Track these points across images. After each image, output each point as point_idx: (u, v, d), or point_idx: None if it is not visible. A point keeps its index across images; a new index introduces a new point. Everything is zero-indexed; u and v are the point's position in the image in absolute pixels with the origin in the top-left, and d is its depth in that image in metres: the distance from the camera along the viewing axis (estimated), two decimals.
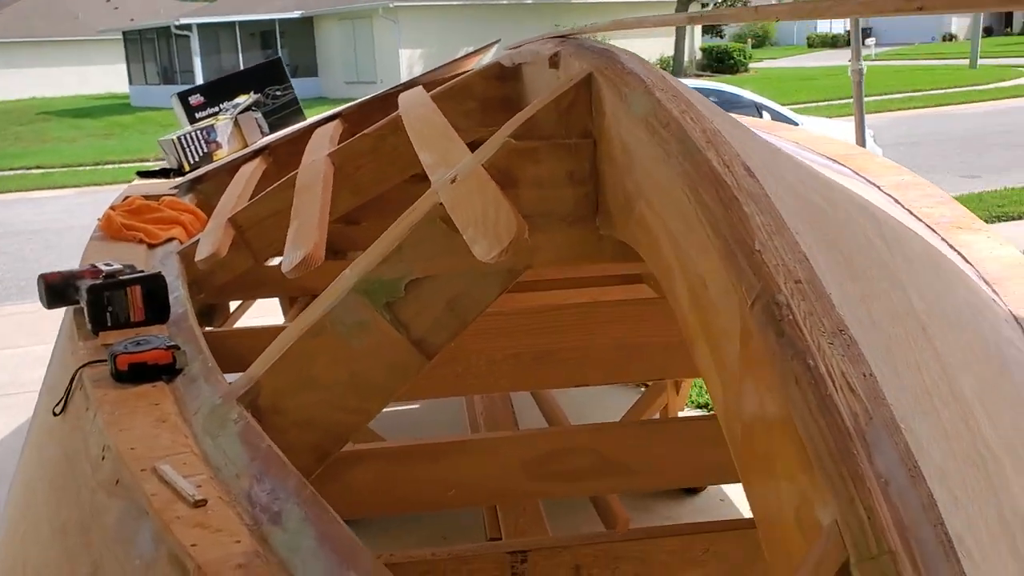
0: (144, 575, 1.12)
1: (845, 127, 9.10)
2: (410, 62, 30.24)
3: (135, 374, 1.52)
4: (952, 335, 1.06)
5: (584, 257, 1.38)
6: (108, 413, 1.41)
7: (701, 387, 4.76)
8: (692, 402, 4.63)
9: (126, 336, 1.68)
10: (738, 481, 2.19)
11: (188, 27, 30.77)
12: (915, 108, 19.52)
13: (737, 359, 0.82)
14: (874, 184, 2.69)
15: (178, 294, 1.89)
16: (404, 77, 29.85)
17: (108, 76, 38.99)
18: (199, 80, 30.33)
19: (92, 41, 38.22)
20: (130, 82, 34.92)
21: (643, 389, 4.77)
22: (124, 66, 35.47)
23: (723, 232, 0.87)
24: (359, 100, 3.47)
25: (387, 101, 3.16)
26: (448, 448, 1.77)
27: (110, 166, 16.71)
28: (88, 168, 16.66)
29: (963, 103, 20.13)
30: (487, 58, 3.46)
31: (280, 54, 32.80)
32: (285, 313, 3.61)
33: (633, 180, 1.18)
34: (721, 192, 0.92)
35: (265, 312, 4.32)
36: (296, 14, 32.46)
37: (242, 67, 31.73)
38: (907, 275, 1.15)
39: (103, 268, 1.79)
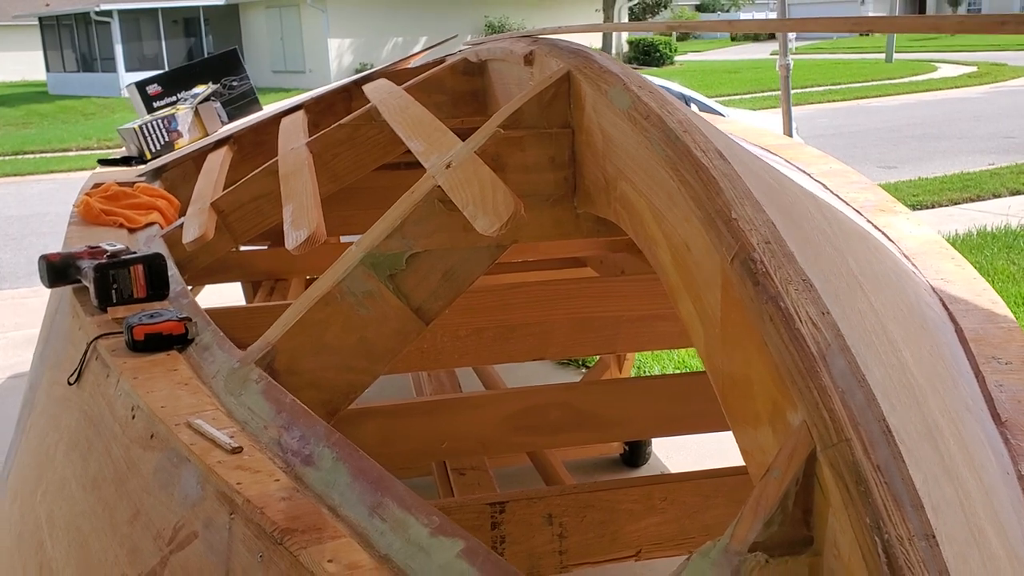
0: (191, 511, 1.26)
1: (769, 119, 9.45)
2: (339, 52, 30.08)
3: (151, 344, 1.65)
4: (882, 293, 1.27)
5: (563, 233, 1.57)
6: (132, 378, 1.55)
7: (639, 365, 5.01)
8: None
9: (132, 311, 1.81)
10: (696, 431, 2.39)
11: (109, 13, 30.03)
12: (834, 101, 20.22)
13: (718, 304, 1.02)
14: (805, 172, 2.93)
15: (173, 273, 2.01)
16: (333, 67, 29.74)
17: (22, 63, 37.86)
18: (120, 68, 29.69)
19: (6, 27, 37.04)
20: (47, 69, 33.96)
21: (583, 370, 4.99)
22: (41, 53, 34.45)
23: (704, 204, 1.07)
24: (316, 92, 3.59)
25: (347, 92, 3.30)
26: (441, 405, 1.95)
27: (30, 156, 16.32)
28: (8, 158, 16.25)
29: (879, 96, 20.90)
30: (439, 52, 3.61)
31: (204, 42, 32.31)
32: (248, 296, 3.72)
33: (613, 164, 1.37)
34: (700, 173, 1.11)
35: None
36: (221, 1, 31.95)
37: (165, 55, 31.11)
38: (843, 243, 1.36)
39: (106, 248, 1.91)
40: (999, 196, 9.80)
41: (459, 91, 2.43)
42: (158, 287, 1.88)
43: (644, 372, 5.01)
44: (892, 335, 1.09)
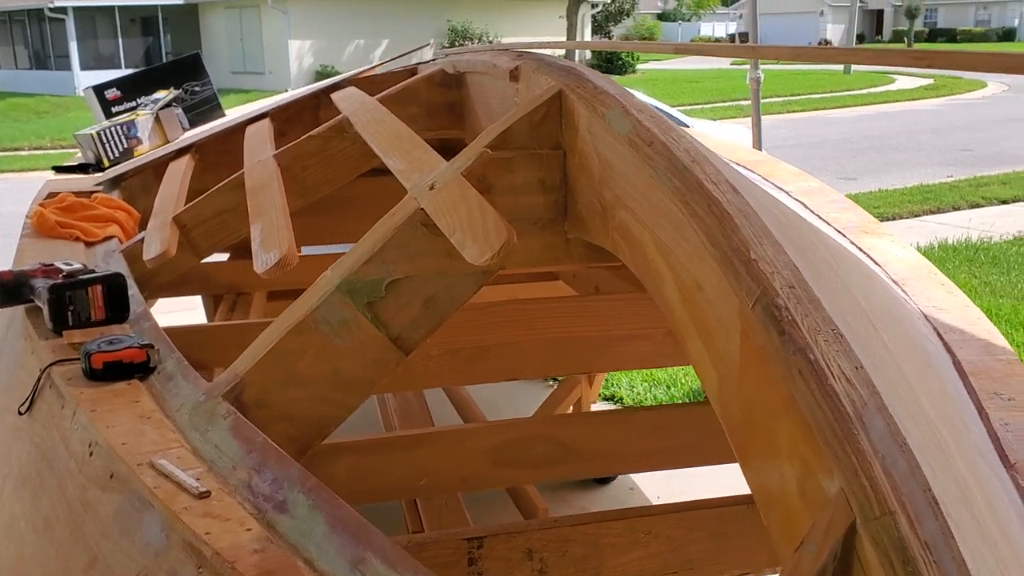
0: (155, 562, 1.17)
1: (732, 129, 9.47)
2: (299, 53, 29.80)
3: (110, 372, 1.54)
4: (891, 331, 1.21)
5: (553, 259, 1.50)
6: (90, 410, 1.44)
7: (609, 381, 4.95)
8: (599, 395, 4.80)
9: (89, 335, 1.70)
10: (685, 466, 2.33)
11: (63, 10, 29.44)
12: (793, 111, 20.40)
13: (737, 352, 0.95)
14: (783, 190, 2.89)
15: (133, 292, 1.90)
16: (293, 69, 29.45)
17: None
18: (75, 66, 29.12)
19: None
20: None
21: (552, 383, 4.92)
22: None
23: (719, 242, 1.00)
24: (281, 98, 3.49)
25: (315, 101, 3.20)
26: (419, 440, 1.86)
27: None
28: None
29: (838, 107, 21.16)
30: (416, 58, 3.53)
31: (162, 42, 31.83)
32: (208, 309, 3.60)
33: (612, 191, 1.30)
34: (713, 207, 1.04)
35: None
36: (180, 0, 31.51)
37: (122, 54, 30.59)
38: (847, 276, 1.30)
39: (62, 267, 1.80)
40: (959, 209, 9.92)
41: (435, 103, 2.34)
42: (118, 309, 1.77)
43: (613, 387, 4.95)
44: (910, 379, 1.03)
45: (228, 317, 3.00)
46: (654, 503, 3.54)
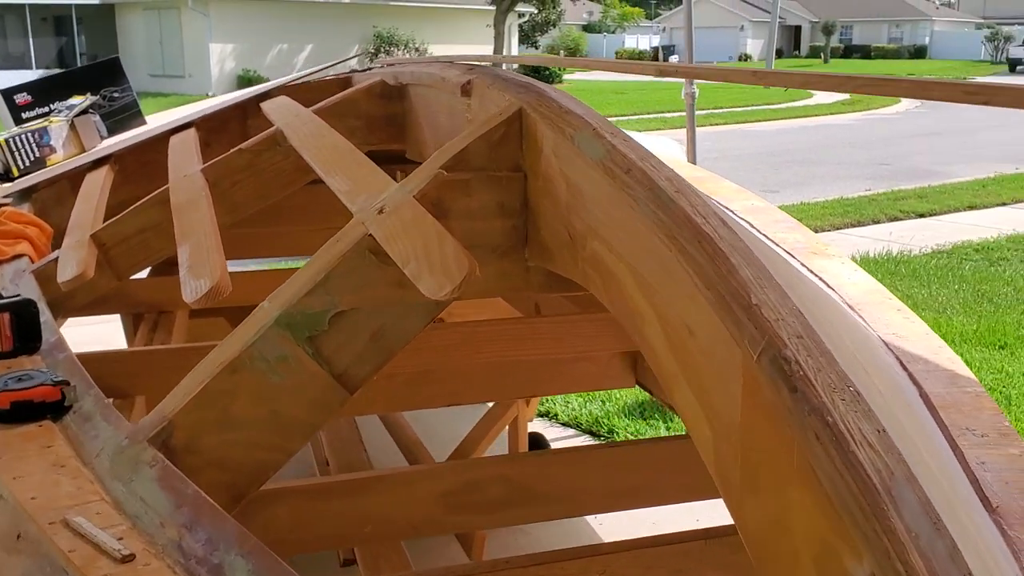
0: None
1: (660, 142, 9.52)
2: (221, 57, 29.20)
3: (19, 413, 1.39)
4: (875, 371, 1.14)
5: (511, 287, 1.40)
6: None
7: (543, 397, 4.86)
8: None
9: None
10: (649, 505, 2.24)
11: None
12: (716, 124, 20.70)
13: (737, 408, 0.86)
14: (728, 209, 2.84)
15: (46, 318, 1.74)
16: (215, 72, 28.83)
17: None
18: None
19: None
20: None
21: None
22: None
23: (714, 284, 0.90)
24: (207, 106, 3.32)
25: (242, 110, 3.04)
26: (365, 484, 1.73)
27: None
28: None
29: (759, 121, 21.55)
30: (345, 68, 3.39)
31: (76, 42, 30.84)
32: (128, 329, 3.40)
33: (583, 219, 1.20)
34: (705, 244, 0.95)
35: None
36: (95, 0, 30.58)
37: (32, 54, 29.54)
38: (828, 312, 1.23)
39: None
40: (879, 222, 10.14)
41: (375, 116, 2.22)
42: (28, 339, 1.61)
43: (548, 403, 4.87)
44: (909, 431, 0.96)
45: (150, 338, 2.82)
46: (610, 540, 3.46)
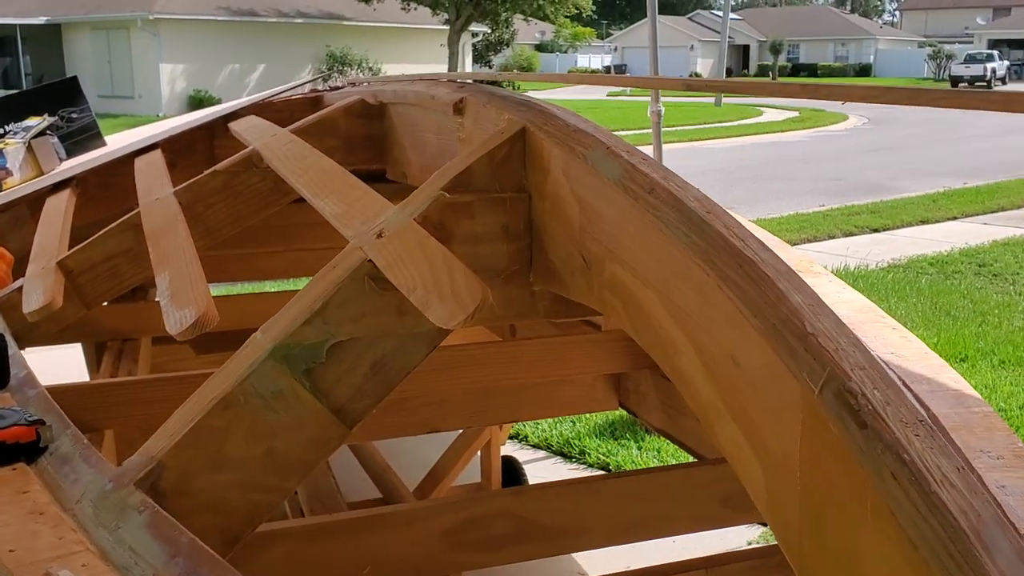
0: None
1: None
2: (172, 77, 28.85)
3: None
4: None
5: (517, 314, 1.34)
6: None
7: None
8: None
9: None
10: (659, 536, 2.18)
11: None
12: (670, 142, 20.80)
13: (796, 444, 0.80)
14: None
15: (13, 352, 1.64)
16: (165, 93, 28.44)
17: None
18: None
19: None
20: None
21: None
22: None
23: (763, 311, 0.85)
24: (170, 126, 3.22)
25: (210, 130, 2.95)
26: (365, 523, 1.65)
27: None
28: None
29: (712, 139, 21.77)
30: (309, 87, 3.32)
31: (21, 62, 30.24)
32: (90, 358, 3.27)
33: (600, 242, 1.15)
34: (747, 268, 0.90)
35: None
36: (41, 20, 30.02)
37: None
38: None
39: None
40: (834, 237, 10.26)
41: (355, 135, 2.15)
42: None
43: (517, 424, 4.81)
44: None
45: (115, 368, 2.71)
46: (595, 573, 3.39)
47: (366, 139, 2.15)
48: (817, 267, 2.40)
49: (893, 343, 1.88)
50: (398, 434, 2.43)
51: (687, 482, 1.85)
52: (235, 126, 2.57)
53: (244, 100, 3.27)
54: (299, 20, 31.38)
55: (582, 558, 3.44)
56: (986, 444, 1.46)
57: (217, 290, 5.09)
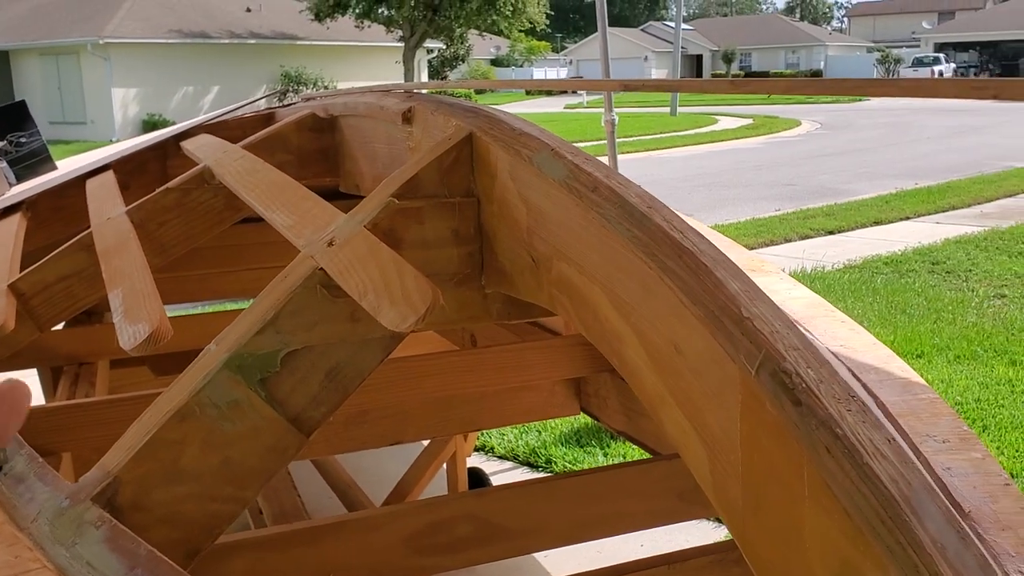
0: None
1: None
2: (124, 102, 28.55)
3: None
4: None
5: (470, 317, 1.35)
6: None
7: (481, 432, 4.80)
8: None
9: None
10: (623, 532, 2.20)
11: None
12: (627, 152, 21.01)
13: (736, 426, 0.83)
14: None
15: None
16: (118, 118, 28.14)
17: None
18: None
19: None
20: None
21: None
22: None
23: (702, 299, 0.88)
24: (122, 148, 3.20)
25: (161, 150, 2.94)
26: (326, 531, 1.65)
27: None
28: None
29: (668, 148, 21.98)
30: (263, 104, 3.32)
31: None
32: (46, 384, 3.23)
33: (546, 242, 1.17)
34: (686, 258, 0.93)
35: None
36: None
37: None
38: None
39: None
40: (790, 240, 10.41)
41: (307, 149, 2.16)
42: None
43: (483, 435, 4.81)
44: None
45: (72, 392, 2.68)
46: (557, 573, 3.40)
47: (318, 152, 2.16)
48: (769, 266, 2.44)
49: (842, 336, 1.93)
50: (360, 447, 2.43)
51: (643, 478, 1.88)
52: (187, 144, 2.57)
53: (197, 119, 3.26)
54: (252, 41, 31.24)
55: (544, 560, 3.46)
56: (932, 429, 1.50)
57: (175, 311, 5.05)
